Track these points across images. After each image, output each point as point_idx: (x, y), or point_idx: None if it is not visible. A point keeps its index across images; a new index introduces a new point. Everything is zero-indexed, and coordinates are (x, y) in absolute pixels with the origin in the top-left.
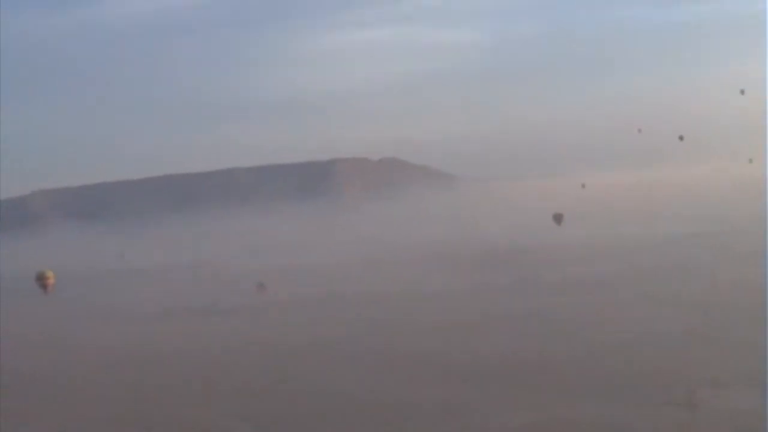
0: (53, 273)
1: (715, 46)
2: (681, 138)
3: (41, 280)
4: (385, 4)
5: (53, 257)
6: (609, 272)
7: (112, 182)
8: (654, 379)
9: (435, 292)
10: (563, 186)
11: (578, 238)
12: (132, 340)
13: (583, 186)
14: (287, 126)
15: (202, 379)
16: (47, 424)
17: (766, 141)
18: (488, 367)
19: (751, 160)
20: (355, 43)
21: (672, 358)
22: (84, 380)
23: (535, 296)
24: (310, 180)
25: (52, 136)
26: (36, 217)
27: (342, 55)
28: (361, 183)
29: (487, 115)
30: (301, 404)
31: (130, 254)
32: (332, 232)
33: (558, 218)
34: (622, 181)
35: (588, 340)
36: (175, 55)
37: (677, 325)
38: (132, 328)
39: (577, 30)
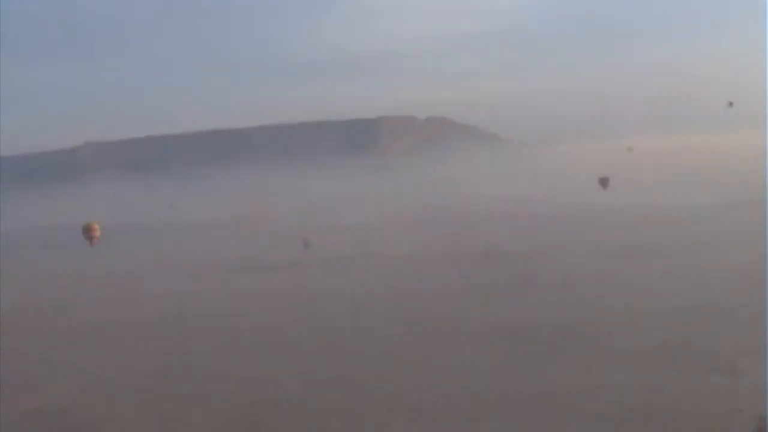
0: (99, 225)
1: None
2: (730, 104)
3: (88, 232)
4: None
5: (101, 209)
6: (654, 239)
7: (161, 135)
8: (697, 347)
9: (479, 254)
10: (610, 149)
11: (624, 203)
12: (179, 294)
13: (630, 150)
14: (336, 83)
15: (249, 334)
16: (95, 375)
17: None
18: (531, 332)
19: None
20: (405, 2)
21: (715, 327)
22: (131, 333)
23: (580, 261)
24: (357, 137)
25: (102, 88)
26: (85, 169)
27: (393, 14)
28: (408, 141)
29: (536, 78)
30: (346, 361)
31: (179, 207)
32: (377, 190)
33: (604, 182)
34: (669, 146)
35: (633, 306)
36: (225, 12)
37: (720, 295)
38: (179, 282)
39: None
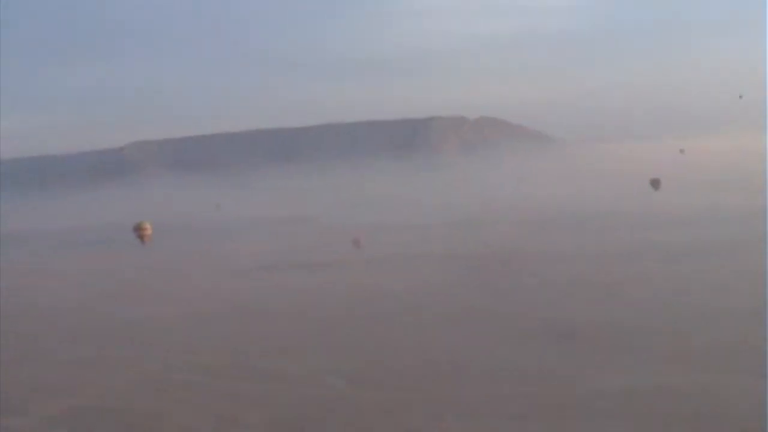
0: (150, 224)
1: None
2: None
3: (139, 231)
4: None
5: (150, 208)
6: (704, 241)
7: (210, 134)
8: (753, 348)
9: (529, 254)
10: (662, 150)
11: (675, 205)
12: (227, 293)
13: (682, 151)
14: (386, 83)
15: (296, 332)
16: (143, 371)
17: None
18: (582, 332)
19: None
20: (456, 1)
21: (762, 330)
22: (180, 331)
23: (630, 262)
24: (407, 137)
25: (150, 88)
26: (133, 168)
27: (443, 14)
28: (458, 141)
29: (587, 76)
30: (393, 360)
31: (227, 206)
32: (428, 190)
33: (655, 183)
34: (721, 148)
35: (681, 307)
36: (276, 10)
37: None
38: (227, 281)
39: None
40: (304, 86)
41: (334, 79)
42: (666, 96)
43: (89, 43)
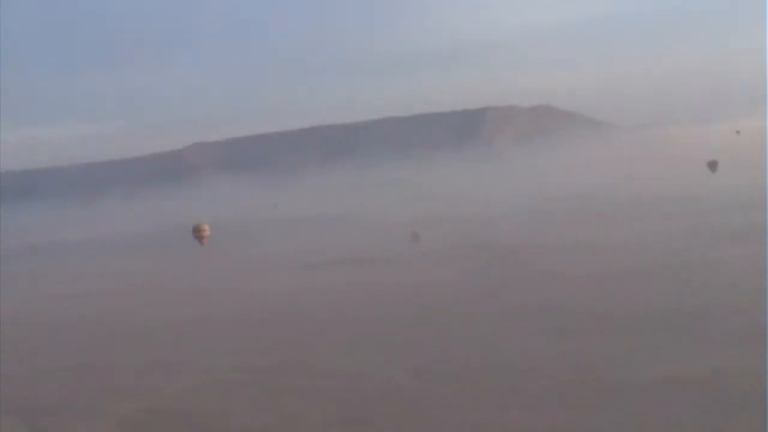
0: (208, 226)
1: None
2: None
3: (197, 233)
4: None
5: (208, 209)
6: (762, 222)
7: (266, 134)
8: None
9: (588, 243)
10: (718, 133)
11: (733, 187)
12: (287, 291)
13: (738, 133)
14: (439, 75)
15: (357, 328)
16: (206, 372)
17: None
18: (641, 319)
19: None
20: None
21: None
22: (241, 330)
23: (689, 246)
24: (462, 129)
25: (209, 89)
26: (191, 170)
27: (496, 4)
28: (513, 131)
29: (640, 62)
30: (454, 354)
31: (284, 205)
32: (484, 182)
33: (713, 166)
34: None
35: (744, 291)
36: (327, 7)
37: None
38: (287, 280)
39: None
40: (357, 82)
41: (387, 73)
42: (720, 78)
43: (148, 47)
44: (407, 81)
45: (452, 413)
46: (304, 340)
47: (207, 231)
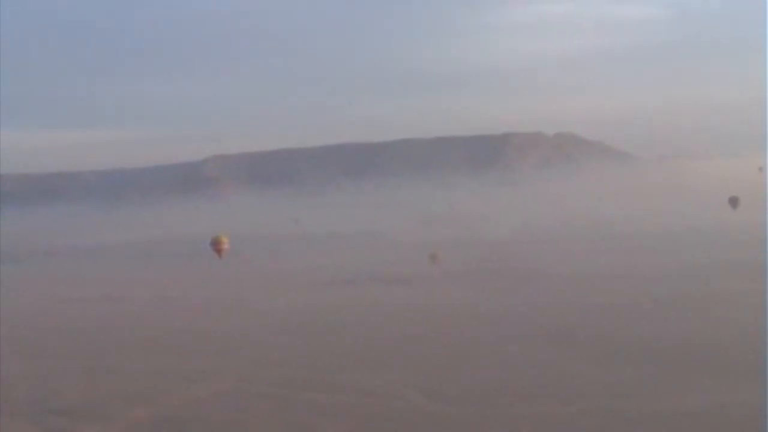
0: (227, 239)
1: None
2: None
3: (216, 245)
4: None
5: (228, 221)
6: None
7: (287, 149)
8: None
9: (607, 272)
10: (741, 168)
11: (754, 224)
12: (304, 306)
13: (761, 169)
14: (463, 99)
15: (373, 346)
16: (221, 383)
17: None
18: (657, 350)
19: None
20: (532, 18)
21: None
22: (257, 343)
23: (709, 280)
24: (484, 153)
25: (230, 102)
26: (210, 182)
27: (518, 30)
28: (536, 158)
29: (664, 93)
30: (470, 376)
31: (304, 221)
32: (505, 207)
33: (734, 202)
34: None
35: (759, 326)
36: (353, 27)
37: None
38: (305, 295)
39: (760, 4)
40: (381, 102)
41: (411, 94)
42: (745, 113)
43: (170, 57)
44: (431, 103)
45: None
46: (319, 355)
47: (226, 243)
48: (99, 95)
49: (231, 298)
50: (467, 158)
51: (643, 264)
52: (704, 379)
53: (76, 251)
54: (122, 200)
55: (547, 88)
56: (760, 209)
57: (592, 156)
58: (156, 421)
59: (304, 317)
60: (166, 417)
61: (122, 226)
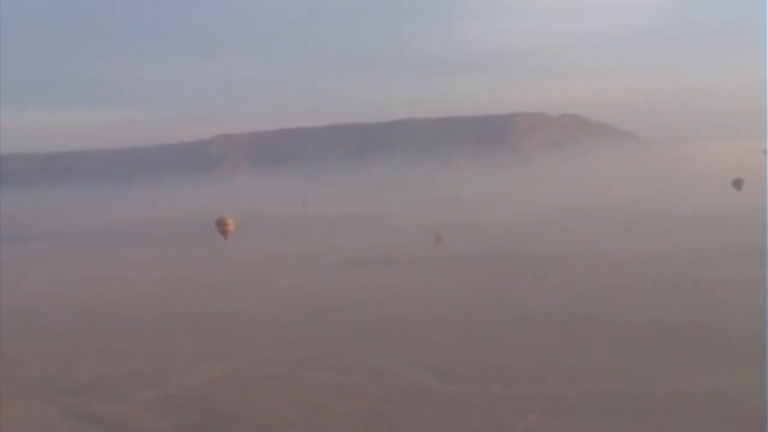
0: (233, 220)
1: None
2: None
3: (221, 226)
4: None
5: (235, 201)
6: None
7: (294, 129)
8: None
9: (611, 254)
10: (745, 150)
11: (757, 206)
12: (313, 288)
13: (766, 153)
14: (469, 79)
15: (384, 327)
16: (233, 363)
17: None
18: (662, 332)
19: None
20: (538, 0)
21: None
22: (265, 323)
23: (711, 263)
24: (489, 134)
25: (237, 81)
26: (217, 161)
27: (528, 12)
28: (540, 138)
29: (669, 75)
30: (478, 356)
31: (311, 201)
32: (509, 187)
33: (738, 184)
34: None
35: (762, 309)
36: (360, 8)
37: None
38: (313, 276)
39: None
40: (387, 82)
41: (417, 75)
42: (750, 95)
43: (178, 38)
44: (437, 83)
45: (470, 414)
46: (328, 335)
47: (231, 224)
48: (107, 75)
49: (240, 279)
50: (472, 138)
51: (645, 247)
52: (707, 361)
53: (83, 232)
54: (129, 180)
55: (553, 69)
56: (764, 192)
57: (597, 137)
58: (168, 401)
59: (313, 298)
60: (177, 396)
61: (129, 206)
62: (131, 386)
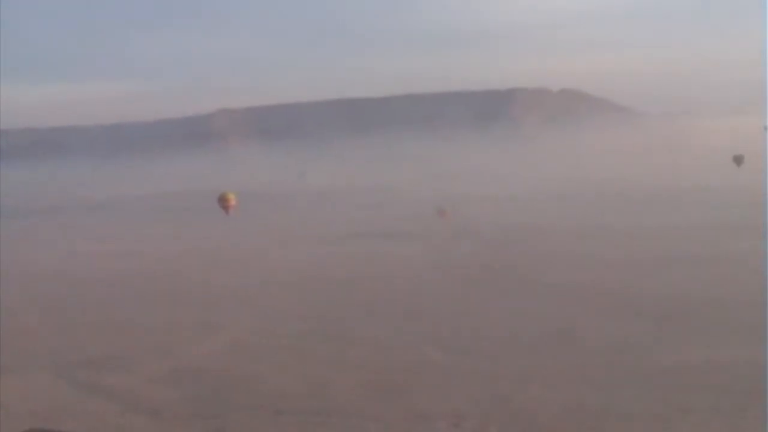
0: (235, 195)
1: None
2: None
3: (223, 202)
4: None
5: (235, 175)
6: None
7: (295, 103)
8: None
9: (609, 228)
10: (745, 127)
11: (757, 183)
12: (316, 261)
13: (766, 129)
14: (469, 54)
15: (388, 300)
16: (237, 336)
17: None
18: (664, 305)
19: None
20: None
21: None
22: (268, 298)
23: (711, 238)
24: (489, 109)
25: (237, 56)
26: (219, 135)
27: None
28: (540, 113)
29: (669, 50)
30: (481, 328)
31: (310, 175)
32: (510, 162)
33: (738, 160)
34: None
35: (761, 284)
36: None
37: None
38: (316, 250)
39: None
40: (388, 57)
41: (418, 50)
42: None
43: (178, 11)
44: (437, 58)
45: (475, 386)
46: (332, 308)
47: (233, 200)
48: (106, 48)
49: (242, 252)
50: (473, 113)
51: (644, 222)
52: (706, 334)
53: (84, 206)
54: (129, 154)
55: (553, 44)
56: (763, 168)
57: (597, 112)
58: (176, 373)
59: (317, 271)
60: (186, 368)
61: (129, 181)
62: (138, 359)
